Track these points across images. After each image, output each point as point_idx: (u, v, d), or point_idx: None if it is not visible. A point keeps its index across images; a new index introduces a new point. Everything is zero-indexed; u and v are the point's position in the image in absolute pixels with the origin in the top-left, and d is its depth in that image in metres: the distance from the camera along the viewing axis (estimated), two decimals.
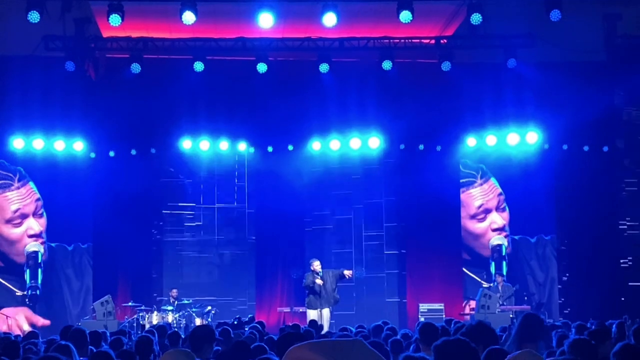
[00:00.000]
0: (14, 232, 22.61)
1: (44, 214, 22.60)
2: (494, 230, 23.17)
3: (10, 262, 22.57)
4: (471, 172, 23.16)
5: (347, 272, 19.63)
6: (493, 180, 23.24)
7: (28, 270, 22.57)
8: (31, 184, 22.57)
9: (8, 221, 22.53)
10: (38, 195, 22.59)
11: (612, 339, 10.23)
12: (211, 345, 8.37)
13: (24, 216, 22.62)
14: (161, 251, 23.06)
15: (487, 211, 23.28)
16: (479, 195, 23.29)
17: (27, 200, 22.62)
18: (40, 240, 22.62)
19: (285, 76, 21.46)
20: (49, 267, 22.59)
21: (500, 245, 22.96)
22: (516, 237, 23.06)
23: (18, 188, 22.48)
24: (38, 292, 22.38)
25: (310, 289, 19.40)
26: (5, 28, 19.29)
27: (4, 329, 20.41)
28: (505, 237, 23.15)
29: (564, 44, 20.47)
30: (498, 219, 23.22)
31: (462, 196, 23.16)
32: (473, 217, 23.20)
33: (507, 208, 23.20)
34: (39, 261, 22.58)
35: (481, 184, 23.25)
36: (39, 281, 22.46)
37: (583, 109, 21.06)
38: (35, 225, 22.63)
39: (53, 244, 22.55)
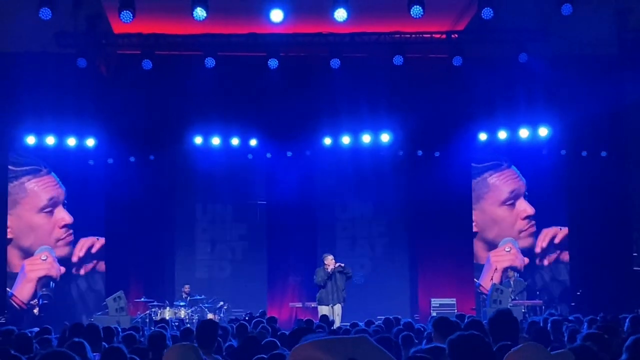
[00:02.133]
0: (44, 222, 22.41)
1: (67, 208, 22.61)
2: (524, 218, 23.03)
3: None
4: (495, 157, 23.15)
5: (336, 264, 19.52)
6: (514, 169, 23.22)
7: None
8: (54, 175, 22.56)
9: (41, 209, 22.39)
10: (63, 190, 22.53)
11: (624, 332, 10.21)
12: (215, 339, 8.41)
13: (55, 204, 22.49)
14: (173, 247, 23.11)
15: (516, 197, 23.19)
16: (510, 179, 23.21)
17: (56, 189, 22.53)
18: (70, 232, 22.43)
19: (296, 71, 21.46)
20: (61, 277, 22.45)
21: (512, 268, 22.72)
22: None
23: (48, 173, 22.48)
24: (51, 300, 21.97)
25: (321, 286, 19.41)
26: (18, 25, 19.34)
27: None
28: (534, 226, 22.98)
29: (575, 38, 20.41)
30: (527, 207, 23.08)
31: (492, 180, 23.07)
32: (503, 203, 23.11)
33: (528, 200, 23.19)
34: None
35: (508, 167, 23.19)
36: (52, 290, 22.26)
37: (594, 103, 21.00)
38: (67, 216, 22.47)
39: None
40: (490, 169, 23.18)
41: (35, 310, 21.80)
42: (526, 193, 23.11)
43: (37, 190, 22.48)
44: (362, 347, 2.98)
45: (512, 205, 23.15)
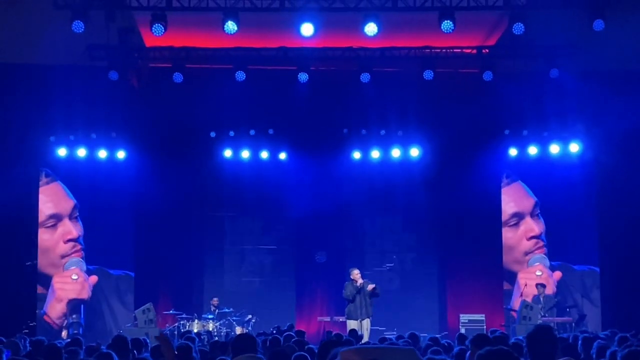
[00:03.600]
0: (47, 237, 21.85)
1: (79, 220, 22.10)
2: (530, 239, 22.70)
3: (43, 278, 21.78)
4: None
5: (370, 286, 19.51)
6: (521, 184, 22.92)
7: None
8: (61, 184, 22.06)
9: (41, 224, 21.85)
10: (73, 200, 22.03)
11: None
12: (254, 354, 8.36)
13: (59, 218, 21.98)
14: (202, 260, 23.16)
15: (520, 216, 22.77)
16: (509, 199, 22.78)
17: (61, 200, 21.99)
18: (78, 247, 21.96)
19: (326, 86, 21.50)
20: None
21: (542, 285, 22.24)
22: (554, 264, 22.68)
23: (47, 183, 21.99)
24: (81, 330, 20.95)
25: (350, 300, 19.41)
26: (50, 38, 19.48)
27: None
28: (542, 247, 22.66)
29: (607, 54, 20.27)
30: (534, 225, 22.65)
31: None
32: (504, 224, 22.75)
33: (541, 218, 22.79)
34: None
35: (508, 184, 22.89)
36: (82, 315, 21.77)
37: (626, 119, 20.86)
38: (72, 228, 21.91)
39: (92, 267, 22.15)
40: None
41: (64, 334, 20.89)
42: (538, 211, 22.67)
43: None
44: (407, 359, 2.96)
45: (516, 225, 22.79)
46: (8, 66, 21.07)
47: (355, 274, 19.55)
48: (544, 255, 22.63)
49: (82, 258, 22.12)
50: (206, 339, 17.59)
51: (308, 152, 22.54)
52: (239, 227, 23.49)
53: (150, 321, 19.61)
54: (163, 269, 22.30)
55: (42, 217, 22.00)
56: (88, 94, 20.97)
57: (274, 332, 17.59)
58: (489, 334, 12.26)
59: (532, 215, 22.77)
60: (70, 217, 22.14)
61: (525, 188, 22.87)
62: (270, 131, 22.34)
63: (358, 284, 19.31)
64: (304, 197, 22.71)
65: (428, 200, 23.13)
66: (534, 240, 22.72)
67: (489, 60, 20.72)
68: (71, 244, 22.11)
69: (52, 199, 22.13)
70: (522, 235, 22.76)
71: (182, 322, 20.22)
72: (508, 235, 22.77)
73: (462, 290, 22.47)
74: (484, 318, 21.00)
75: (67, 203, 22.14)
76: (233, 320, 20.71)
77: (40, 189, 22.08)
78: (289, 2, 18.02)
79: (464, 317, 21.08)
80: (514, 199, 22.85)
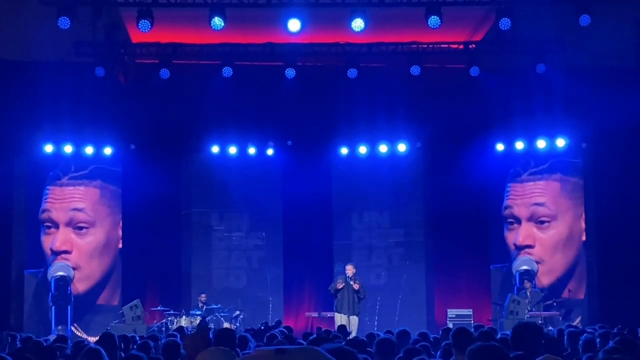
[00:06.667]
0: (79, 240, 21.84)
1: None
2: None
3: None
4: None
5: (355, 285, 19.58)
6: (563, 184, 22.65)
7: (53, 308, 21.19)
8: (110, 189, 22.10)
9: (68, 223, 21.68)
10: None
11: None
12: (233, 349, 8.38)
13: (90, 224, 21.85)
14: (190, 256, 23.13)
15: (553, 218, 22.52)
16: (546, 197, 22.52)
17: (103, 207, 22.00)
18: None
19: (314, 81, 21.49)
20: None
21: (529, 272, 22.26)
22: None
23: (102, 188, 21.95)
24: (68, 342, 20.35)
25: (334, 295, 19.52)
26: (36, 34, 19.44)
27: None
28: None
29: (593, 49, 20.33)
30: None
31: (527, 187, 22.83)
32: (534, 220, 22.50)
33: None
34: (68, 292, 21.49)
35: (547, 178, 22.64)
36: (69, 325, 21.20)
37: (613, 115, 20.92)
38: (58, 241, 21.48)
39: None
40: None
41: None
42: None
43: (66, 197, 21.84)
44: (313, 356, 2.95)
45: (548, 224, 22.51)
46: None
47: (349, 269, 19.65)
48: (531, 258, 22.55)
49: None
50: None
51: (295, 147, 22.57)
52: (226, 223, 23.47)
53: (138, 317, 19.60)
54: (150, 266, 22.26)
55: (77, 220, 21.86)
56: (74, 90, 20.91)
57: (262, 328, 17.60)
58: (473, 329, 12.30)
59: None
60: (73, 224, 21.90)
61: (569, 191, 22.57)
62: (258, 128, 22.33)
63: (349, 274, 19.40)
64: (291, 193, 22.74)
65: (415, 195, 23.17)
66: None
67: (476, 56, 20.77)
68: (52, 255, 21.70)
69: (91, 202, 22.00)
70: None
71: (169, 319, 20.19)
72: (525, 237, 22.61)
73: (449, 285, 22.52)
74: (471, 313, 21.03)
75: (106, 210, 22.10)
76: (221, 316, 20.71)
77: (87, 189, 22.01)
78: None
79: (451, 312, 21.09)
80: (552, 197, 22.56)
